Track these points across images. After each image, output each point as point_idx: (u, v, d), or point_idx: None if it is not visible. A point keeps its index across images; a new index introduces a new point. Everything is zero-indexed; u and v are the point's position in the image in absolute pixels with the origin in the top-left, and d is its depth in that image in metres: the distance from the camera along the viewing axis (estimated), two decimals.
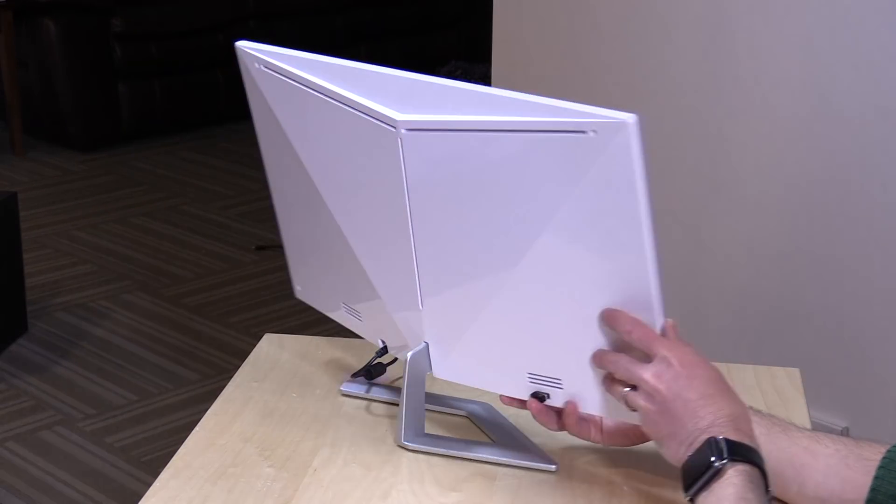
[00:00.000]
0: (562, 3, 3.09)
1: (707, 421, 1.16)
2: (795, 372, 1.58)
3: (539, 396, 1.32)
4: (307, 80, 1.35)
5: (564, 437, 1.37)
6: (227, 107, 5.72)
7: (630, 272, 1.21)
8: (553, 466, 1.36)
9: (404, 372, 1.38)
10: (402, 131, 1.27)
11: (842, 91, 2.61)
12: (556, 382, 1.31)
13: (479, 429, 1.45)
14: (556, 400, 1.32)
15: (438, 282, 1.34)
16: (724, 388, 1.19)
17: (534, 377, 1.32)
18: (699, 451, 1.14)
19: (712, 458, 1.13)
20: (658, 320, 1.22)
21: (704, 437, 1.15)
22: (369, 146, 1.32)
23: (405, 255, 1.34)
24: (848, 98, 2.61)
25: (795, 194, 2.73)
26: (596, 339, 1.26)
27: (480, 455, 1.39)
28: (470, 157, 1.26)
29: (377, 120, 1.29)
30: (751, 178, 2.73)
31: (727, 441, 1.13)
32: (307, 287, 1.55)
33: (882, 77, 2.57)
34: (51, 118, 5.50)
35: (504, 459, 1.38)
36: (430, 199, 1.30)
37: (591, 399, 1.29)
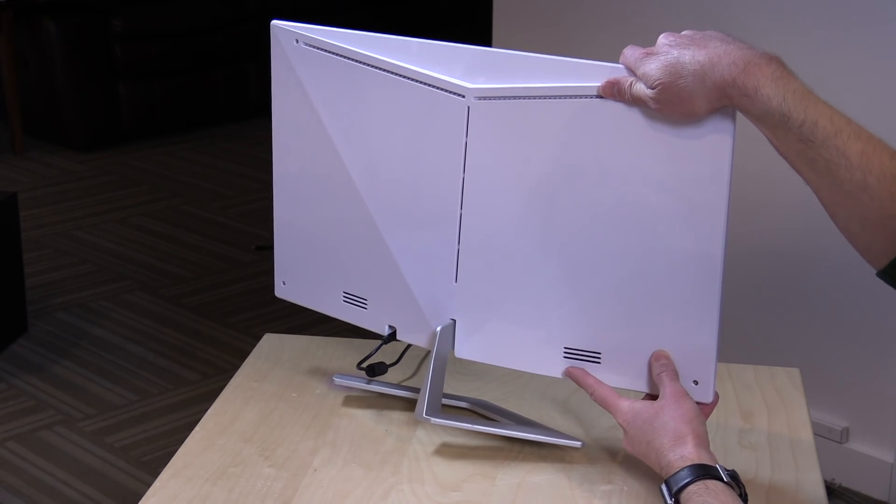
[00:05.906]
0: (562, 5, 3.09)
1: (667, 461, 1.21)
2: (795, 372, 1.58)
3: None
4: (361, 55, 1.35)
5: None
6: (227, 107, 5.69)
7: (694, 245, 1.23)
8: (578, 443, 1.36)
9: (432, 345, 1.37)
10: (472, 100, 1.28)
11: (842, 89, 2.61)
12: (594, 357, 1.31)
13: (486, 418, 1.44)
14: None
15: (480, 254, 1.33)
16: (684, 434, 1.22)
17: (570, 352, 1.32)
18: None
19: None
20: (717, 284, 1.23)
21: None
22: (430, 117, 1.31)
23: (448, 228, 1.34)
24: (848, 95, 2.60)
25: (796, 193, 2.72)
26: (644, 311, 1.27)
27: (506, 431, 1.38)
28: (536, 124, 1.26)
29: (444, 90, 1.29)
30: (751, 176, 2.73)
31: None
32: (296, 281, 1.51)
33: (880, 75, 2.57)
34: (51, 118, 5.50)
35: (531, 435, 1.37)
36: (487, 168, 1.30)
37: (630, 373, 1.29)
